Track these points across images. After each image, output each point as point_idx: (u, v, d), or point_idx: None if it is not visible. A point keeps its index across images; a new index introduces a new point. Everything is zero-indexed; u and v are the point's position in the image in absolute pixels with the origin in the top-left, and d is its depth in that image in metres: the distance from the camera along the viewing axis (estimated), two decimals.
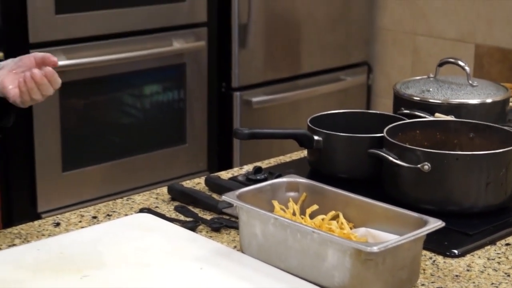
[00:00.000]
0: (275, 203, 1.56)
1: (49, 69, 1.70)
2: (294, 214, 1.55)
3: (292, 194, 1.60)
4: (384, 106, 4.16)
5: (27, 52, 2.96)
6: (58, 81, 1.71)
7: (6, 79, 1.75)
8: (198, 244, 1.56)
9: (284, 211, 1.55)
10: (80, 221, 1.73)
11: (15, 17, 3.04)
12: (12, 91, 1.72)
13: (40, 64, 1.73)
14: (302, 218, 1.54)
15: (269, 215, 1.46)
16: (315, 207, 1.55)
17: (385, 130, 1.80)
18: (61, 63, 3.06)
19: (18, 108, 1.78)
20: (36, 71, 1.68)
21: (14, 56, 2.02)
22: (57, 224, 1.71)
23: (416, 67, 4.05)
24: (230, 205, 1.68)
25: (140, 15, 3.36)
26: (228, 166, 3.71)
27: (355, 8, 4.09)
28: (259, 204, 1.50)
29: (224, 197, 1.52)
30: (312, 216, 1.54)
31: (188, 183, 1.92)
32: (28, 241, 1.62)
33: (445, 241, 1.57)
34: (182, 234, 1.61)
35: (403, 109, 2.04)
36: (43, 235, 1.66)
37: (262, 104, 3.78)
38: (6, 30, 3.04)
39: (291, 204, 1.57)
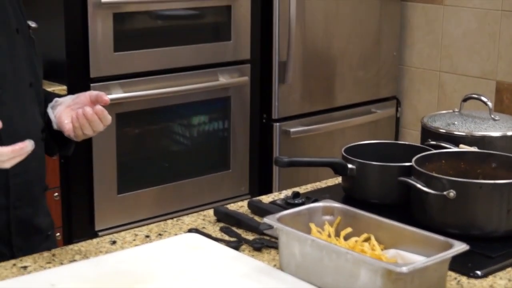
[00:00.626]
0: (312, 225, 1.55)
1: (99, 107, 1.72)
2: (329, 236, 1.54)
3: (327, 217, 1.59)
4: (411, 137, 4.15)
5: (88, 86, 3.04)
6: (108, 118, 1.73)
7: (63, 114, 1.78)
8: (241, 262, 1.56)
9: (320, 233, 1.54)
10: (134, 240, 1.73)
11: (78, 54, 3.07)
12: (67, 125, 1.76)
13: (95, 101, 1.76)
14: (337, 239, 1.53)
15: (306, 236, 1.46)
16: (348, 229, 1.55)
17: (413, 159, 1.79)
18: (118, 95, 3.11)
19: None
20: (88, 109, 1.71)
21: (77, 90, 2.05)
22: (114, 242, 1.72)
23: (441, 102, 4.03)
24: (270, 226, 1.67)
25: (190, 53, 3.38)
26: (268, 190, 3.71)
27: (385, 48, 4.09)
28: (297, 227, 1.50)
29: (266, 220, 1.52)
30: (346, 238, 1.53)
31: (232, 206, 1.92)
32: (87, 257, 1.63)
33: (469, 263, 1.54)
34: (226, 252, 1.61)
35: (430, 140, 2.02)
36: (101, 251, 1.67)
37: (300, 134, 3.77)
38: (70, 66, 3.07)
39: (326, 226, 1.56)
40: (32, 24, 1.89)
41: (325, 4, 3.77)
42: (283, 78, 3.67)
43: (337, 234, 1.55)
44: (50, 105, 1.86)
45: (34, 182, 1.81)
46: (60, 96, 1.90)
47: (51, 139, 1.89)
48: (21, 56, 1.80)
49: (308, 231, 1.53)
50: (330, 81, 3.89)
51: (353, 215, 1.58)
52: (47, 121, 1.85)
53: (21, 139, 1.73)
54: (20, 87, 1.78)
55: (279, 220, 1.51)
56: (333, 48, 3.86)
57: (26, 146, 1.50)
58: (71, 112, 1.79)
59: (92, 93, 1.79)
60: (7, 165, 1.52)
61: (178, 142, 3.54)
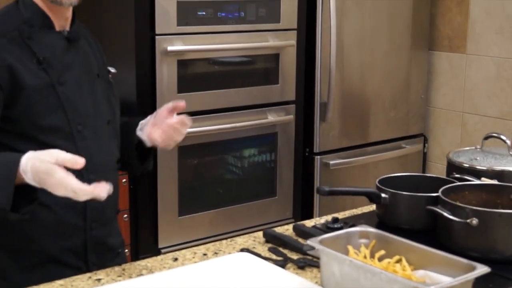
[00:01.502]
0: (350, 248, 1.54)
1: (176, 117, 1.83)
2: (365, 257, 1.52)
3: (363, 241, 1.58)
4: (437, 170, 4.11)
5: None
6: (187, 122, 1.85)
7: (152, 132, 1.86)
8: (287, 279, 1.55)
9: (357, 254, 1.53)
10: (193, 257, 1.74)
11: (146, 95, 3.10)
12: (159, 139, 1.86)
13: (172, 111, 1.84)
14: (372, 260, 1.51)
15: (345, 257, 1.45)
16: (382, 252, 1.53)
17: (440, 190, 1.77)
18: None
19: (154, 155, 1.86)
20: (169, 121, 1.83)
21: None
22: (175, 259, 1.73)
23: (464, 139, 3.99)
24: (313, 248, 1.66)
25: (242, 94, 3.40)
26: (310, 216, 3.69)
27: (414, 91, 4.06)
28: (336, 248, 1.49)
29: (309, 242, 1.52)
30: (380, 259, 1.52)
31: (278, 229, 1.91)
32: (152, 272, 1.64)
33: (490, 284, 1.52)
34: (274, 270, 1.60)
35: (454, 173, 2.00)
36: (164, 267, 1.68)
37: (338, 166, 3.75)
38: (140, 104, 3.10)
39: (362, 249, 1.55)
40: (112, 70, 1.93)
41: (361, 52, 3.76)
42: (324, 116, 3.67)
43: (372, 256, 1.53)
44: (137, 129, 1.90)
45: (108, 206, 1.83)
46: (142, 118, 1.96)
47: (138, 157, 1.94)
48: (101, 98, 1.83)
49: (346, 253, 1.52)
50: (365, 119, 3.88)
51: (386, 239, 1.56)
52: (138, 142, 1.90)
53: (99, 169, 1.76)
54: (99, 124, 1.81)
55: (321, 242, 1.50)
56: (367, 91, 3.85)
57: (103, 191, 1.51)
58: (157, 129, 1.85)
59: (168, 105, 1.85)
60: (82, 199, 1.52)
61: (231, 171, 3.55)
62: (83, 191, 1.48)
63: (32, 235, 1.72)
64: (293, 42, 3.50)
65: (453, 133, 4.08)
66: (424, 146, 4.19)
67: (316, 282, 1.56)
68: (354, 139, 3.85)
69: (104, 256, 1.83)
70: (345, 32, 3.67)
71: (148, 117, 1.91)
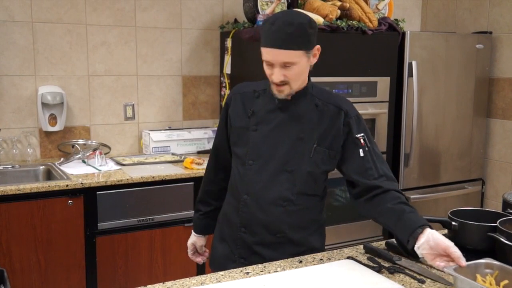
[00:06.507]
0: (478, 276, 1.43)
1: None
2: (491, 284, 1.40)
3: (488, 271, 1.45)
4: (491, 206, 3.86)
5: None
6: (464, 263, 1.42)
7: (433, 262, 1.46)
8: (381, 281, 1.51)
9: (484, 281, 1.41)
10: (313, 261, 1.71)
11: None
12: (437, 264, 1.45)
13: (447, 256, 1.45)
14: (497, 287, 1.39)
15: (476, 284, 1.34)
16: (506, 281, 1.39)
17: (498, 221, 1.66)
18: None
19: None
20: (441, 264, 1.44)
21: None
22: (300, 261, 1.70)
23: None
24: (400, 258, 1.60)
25: None
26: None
27: (475, 146, 3.86)
28: (466, 275, 1.39)
29: (446, 270, 1.37)
30: (504, 287, 1.39)
31: (375, 244, 1.86)
32: (285, 270, 1.62)
33: None
34: (371, 274, 1.56)
35: (509, 209, 1.87)
36: (293, 267, 1.65)
37: (417, 199, 3.61)
38: None
39: (488, 277, 1.43)
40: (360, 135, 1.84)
41: (435, 118, 3.64)
42: (407, 163, 3.55)
43: (497, 283, 1.40)
44: (416, 246, 1.49)
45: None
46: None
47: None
48: (293, 153, 1.75)
49: (474, 279, 1.40)
50: (437, 166, 3.72)
51: (506, 270, 1.41)
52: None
53: (256, 195, 1.76)
54: (271, 167, 1.74)
55: (455, 270, 1.38)
56: (440, 146, 3.70)
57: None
58: (433, 255, 1.46)
59: (454, 251, 1.43)
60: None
61: (338, 200, 3.51)
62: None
63: None
64: (385, 110, 3.44)
65: (504, 179, 3.83)
66: (482, 187, 3.95)
67: (403, 285, 1.50)
68: (429, 180, 3.70)
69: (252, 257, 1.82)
70: (424, 103, 3.56)
71: (422, 239, 1.46)
